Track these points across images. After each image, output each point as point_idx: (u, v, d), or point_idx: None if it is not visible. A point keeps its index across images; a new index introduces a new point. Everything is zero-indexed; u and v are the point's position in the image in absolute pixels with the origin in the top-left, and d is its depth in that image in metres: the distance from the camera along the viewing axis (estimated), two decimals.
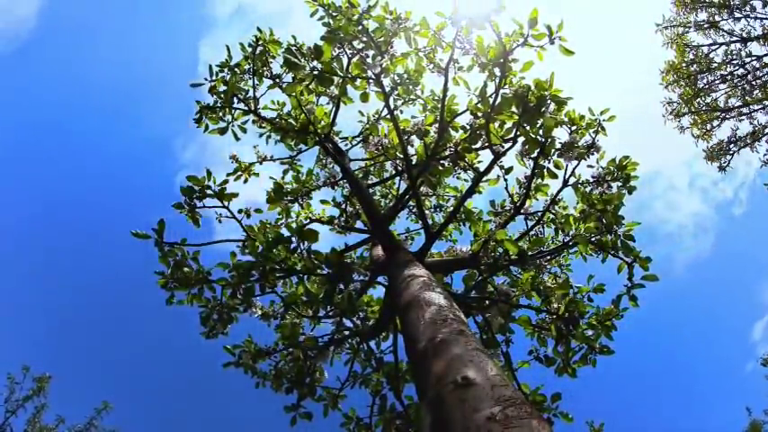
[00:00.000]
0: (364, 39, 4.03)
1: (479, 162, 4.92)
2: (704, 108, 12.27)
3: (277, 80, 4.99)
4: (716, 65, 11.98)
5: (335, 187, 5.80)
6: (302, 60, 4.43)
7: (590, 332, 3.93)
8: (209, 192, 4.46)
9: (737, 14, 11.47)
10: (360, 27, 3.98)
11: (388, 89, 4.39)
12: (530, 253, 3.96)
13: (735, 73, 11.99)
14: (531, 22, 3.39)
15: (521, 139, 4.13)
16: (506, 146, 4.15)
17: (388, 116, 4.31)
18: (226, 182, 4.56)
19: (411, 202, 5.56)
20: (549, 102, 3.84)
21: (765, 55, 11.60)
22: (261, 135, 5.41)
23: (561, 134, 4.19)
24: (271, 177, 5.47)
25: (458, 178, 5.49)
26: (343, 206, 5.70)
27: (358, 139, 5.88)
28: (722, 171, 12.51)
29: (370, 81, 4.31)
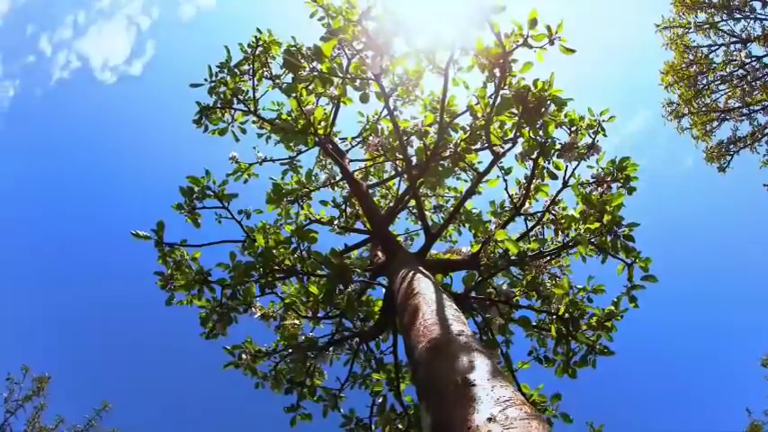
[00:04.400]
0: (364, 39, 4.03)
1: (479, 163, 4.93)
2: (704, 109, 12.27)
3: (277, 81, 5.00)
4: (716, 66, 11.99)
5: (335, 188, 5.81)
6: (302, 61, 4.43)
7: (590, 333, 3.93)
8: (208, 192, 4.47)
9: (737, 15, 11.48)
10: (359, 28, 3.98)
11: (387, 90, 4.38)
12: (529, 254, 3.95)
13: (734, 74, 11.99)
14: (530, 22, 3.39)
15: (520, 140, 4.13)
16: (506, 146, 4.15)
17: (388, 117, 4.31)
18: (225, 182, 4.57)
19: (411, 203, 5.56)
20: (548, 102, 3.84)
21: (765, 56, 11.61)
22: (260, 136, 5.42)
23: (561, 135, 4.20)
24: (271, 178, 5.48)
25: (457, 179, 5.50)
26: (343, 207, 5.70)
27: (358, 139, 5.89)
28: (722, 172, 12.52)
29: (370, 81, 4.31)
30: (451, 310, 2.45)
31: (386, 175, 6.17)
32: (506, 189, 4.64)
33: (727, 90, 12.16)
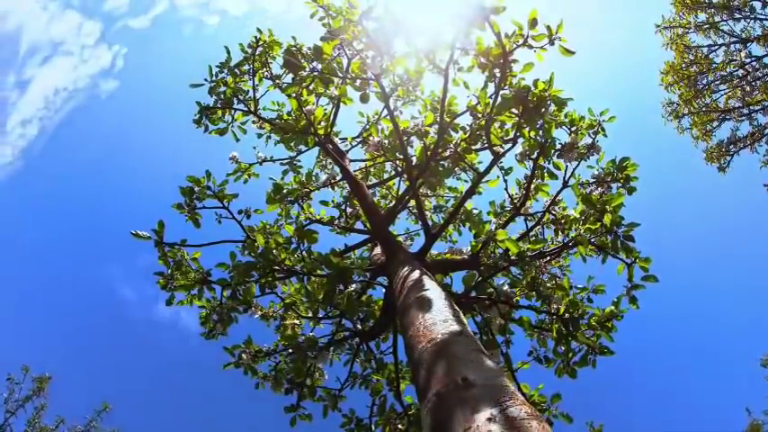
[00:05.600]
0: (364, 39, 4.03)
1: (479, 163, 4.93)
2: (704, 109, 12.27)
3: (277, 81, 5.00)
4: (716, 66, 11.98)
5: (335, 188, 5.81)
6: (302, 61, 4.44)
7: (590, 333, 3.93)
8: (208, 192, 4.47)
9: (737, 15, 11.47)
10: (360, 28, 3.98)
11: (388, 90, 4.38)
12: (529, 254, 3.95)
13: (734, 74, 11.99)
14: (530, 22, 3.39)
15: (520, 140, 4.14)
16: (506, 147, 4.15)
17: (388, 117, 4.32)
18: (225, 182, 4.57)
19: (411, 203, 5.56)
20: (549, 102, 3.84)
21: (765, 56, 11.60)
22: (260, 136, 5.43)
23: (561, 135, 4.20)
24: (270, 178, 5.49)
25: (457, 179, 5.50)
26: (343, 207, 5.70)
27: (358, 139, 5.89)
28: (722, 172, 12.52)
29: (370, 82, 4.31)
30: (452, 310, 2.45)
31: (386, 176, 6.18)
32: (506, 189, 4.65)
33: (727, 90, 12.15)
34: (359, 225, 5.58)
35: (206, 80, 4.97)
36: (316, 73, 4.42)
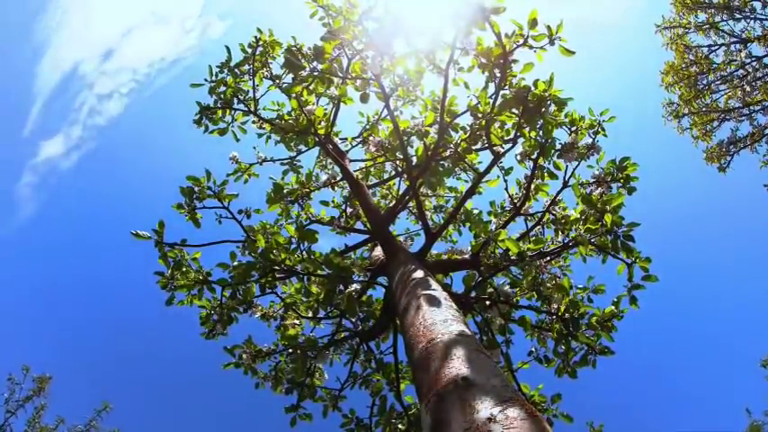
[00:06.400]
0: (364, 39, 4.03)
1: (479, 163, 4.94)
2: (704, 109, 12.27)
3: (277, 81, 5.01)
4: (716, 66, 11.98)
5: (335, 188, 5.81)
6: (302, 61, 4.44)
7: (590, 333, 3.93)
8: (208, 192, 4.47)
9: (737, 15, 11.47)
10: (360, 28, 3.98)
11: (388, 90, 4.38)
12: (530, 254, 3.96)
13: (735, 74, 11.99)
14: (530, 22, 3.39)
15: (521, 140, 4.14)
16: (506, 147, 4.16)
17: (389, 117, 4.32)
18: (225, 182, 4.57)
19: (411, 203, 5.56)
20: (549, 102, 3.84)
21: (765, 56, 11.60)
22: (260, 136, 5.43)
23: (561, 135, 4.20)
24: (271, 178, 5.49)
25: (458, 179, 5.50)
26: (344, 207, 5.70)
27: (358, 139, 5.89)
28: (722, 172, 12.52)
29: (371, 81, 4.31)
30: (452, 310, 2.45)
31: (386, 176, 6.18)
32: (506, 189, 4.65)
33: (727, 90, 12.15)
34: (359, 225, 5.58)
35: (206, 80, 4.97)
36: (316, 73, 4.42)
